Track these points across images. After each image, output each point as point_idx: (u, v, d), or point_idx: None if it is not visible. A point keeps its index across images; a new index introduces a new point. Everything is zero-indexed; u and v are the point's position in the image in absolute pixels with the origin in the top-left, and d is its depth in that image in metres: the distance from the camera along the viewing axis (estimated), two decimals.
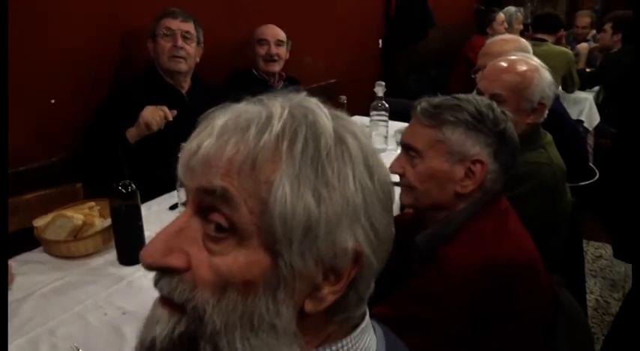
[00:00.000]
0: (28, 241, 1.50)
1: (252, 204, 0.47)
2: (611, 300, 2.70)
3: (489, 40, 2.16)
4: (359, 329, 0.54)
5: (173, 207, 1.74)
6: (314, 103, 0.53)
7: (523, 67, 1.49)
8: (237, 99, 1.91)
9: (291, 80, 2.81)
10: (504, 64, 1.52)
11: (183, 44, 2.06)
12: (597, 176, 2.01)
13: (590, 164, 3.83)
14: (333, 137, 0.50)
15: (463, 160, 1.01)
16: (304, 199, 0.46)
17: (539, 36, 3.72)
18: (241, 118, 0.50)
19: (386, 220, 0.51)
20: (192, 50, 2.11)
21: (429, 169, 1.03)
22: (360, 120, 2.84)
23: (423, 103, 1.07)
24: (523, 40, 2.10)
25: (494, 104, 1.07)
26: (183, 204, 1.42)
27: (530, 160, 1.42)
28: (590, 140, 3.75)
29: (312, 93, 2.21)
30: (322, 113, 0.52)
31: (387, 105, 2.26)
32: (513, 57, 1.56)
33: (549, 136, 1.53)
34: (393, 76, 4.29)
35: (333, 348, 0.52)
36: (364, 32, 3.97)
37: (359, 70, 3.99)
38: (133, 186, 1.36)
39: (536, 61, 1.52)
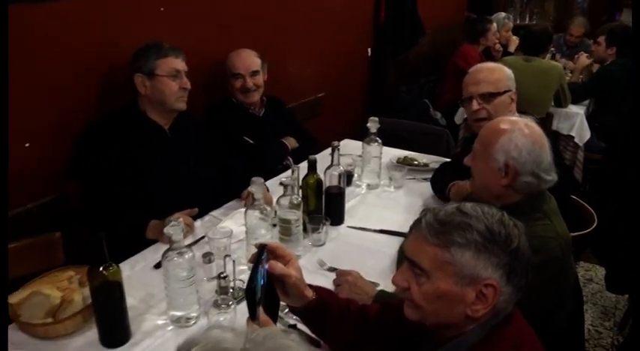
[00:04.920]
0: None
1: None
2: (603, 330, 2.68)
3: (473, 69, 2.06)
4: None
5: (159, 265, 1.65)
6: None
7: (503, 125, 1.44)
8: (219, 130, 1.84)
9: (274, 102, 2.69)
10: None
11: (188, 84, 2.01)
12: (595, 224, 1.95)
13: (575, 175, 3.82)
14: None
15: (474, 283, 0.94)
16: None
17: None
18: None
19: None
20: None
21: (437, 290, 0.96)
22: (350, 144, 2.75)
23: (428, 217, 0.99)
24: (507, 69, 2.03)
25: (506, 217, 0.99)
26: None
27: (536, 234, 1.36)
28: (580, 156, 3.71)
29: (299, 109, 2.15)
30: None
31: (380, 140, 2.17)
32: (514, 118, 1.48)
33: (554, 203, 1.47)
34: (382, 86, 4.21)
35: None
36: (352, 42, 3.86)
37: (347, 82, 3.89)
38: (115, 266, 1.27)
39: (521, 123, 1.44)
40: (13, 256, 1.74)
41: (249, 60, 2.46)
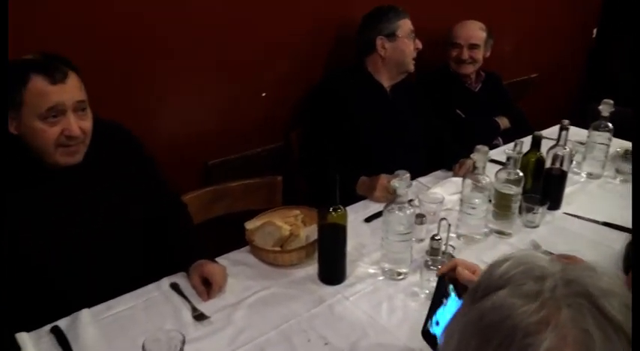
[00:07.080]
0: (232, 226, 1.60)
1: None
2: None
3: None
4: None
5: (369, 219, 1.72)
6: None
7: None
8: (432, 98, 1.81)
9: (492, 79, 2.60)
10: None
11: (420, 44, 2.10)
12: None
13: None
14: None
15: None
16: None
17: None
18: None
19: None
20: None
21: None
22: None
23: None
24: None
25: None
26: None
27: None
28: None
29: (508, 89, 2.04)
30: None
31: (611, 126, 1.96)
32: None
33: None
34: (604, 72, 3.78)
35: None
36: (576, 20, 3.52)
37: (564, 65, 3.58)
38: (343, 208, 1.35)
39: None
40: (242, 192, 1.98)
41: (471, 32, 2.41)
